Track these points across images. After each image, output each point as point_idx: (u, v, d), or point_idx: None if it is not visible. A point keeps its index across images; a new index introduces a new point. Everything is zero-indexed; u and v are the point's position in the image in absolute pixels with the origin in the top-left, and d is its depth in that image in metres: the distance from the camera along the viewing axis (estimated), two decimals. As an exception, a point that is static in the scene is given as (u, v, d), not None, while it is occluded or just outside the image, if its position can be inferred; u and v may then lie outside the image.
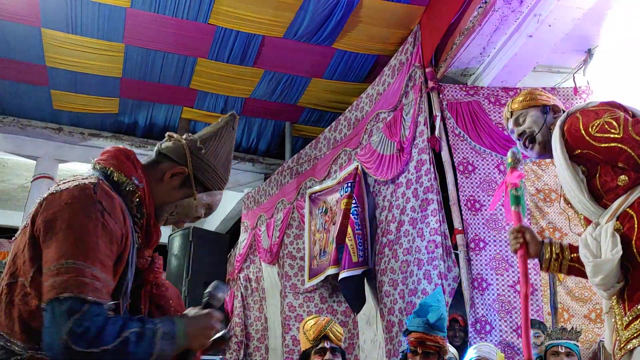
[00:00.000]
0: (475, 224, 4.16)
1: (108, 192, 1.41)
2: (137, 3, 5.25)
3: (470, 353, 3.32)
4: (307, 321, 3.55)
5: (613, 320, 1.87)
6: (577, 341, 3.24)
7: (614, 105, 1.97)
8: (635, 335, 1.73)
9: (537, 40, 4.06)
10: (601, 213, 1.89)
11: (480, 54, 4.52)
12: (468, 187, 4.26)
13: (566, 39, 4.14)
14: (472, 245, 4.10)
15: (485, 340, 3.77)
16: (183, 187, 1.60)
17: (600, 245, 1.84)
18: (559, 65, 4.58)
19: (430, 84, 4.55)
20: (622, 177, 1.85)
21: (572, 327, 3.31)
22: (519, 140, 2.23)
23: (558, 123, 2.03)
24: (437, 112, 4.44)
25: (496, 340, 3.82)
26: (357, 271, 4.83)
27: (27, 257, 1.35)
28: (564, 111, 2.17)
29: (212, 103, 7.04)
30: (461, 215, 4.17)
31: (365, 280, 4.92)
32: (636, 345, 1.71)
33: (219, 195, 1.69)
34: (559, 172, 2.00)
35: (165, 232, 6.73)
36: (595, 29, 4.14)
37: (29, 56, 6.04)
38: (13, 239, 1.47)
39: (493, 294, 3.97)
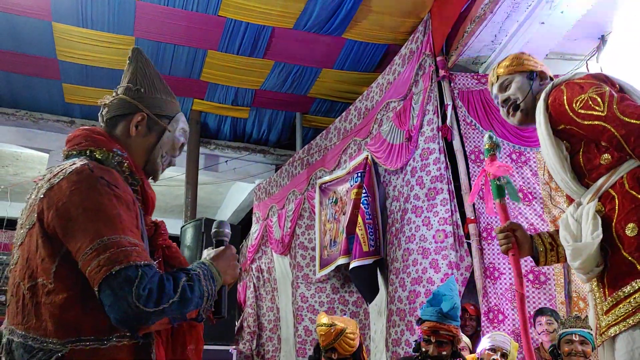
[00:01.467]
0: (487, 213, 4.14)
1: (103, 167, 1.45)
2: (147, -5, 5.27)
3: (484, 342, 3.32)
4: (320, 324, 3.49)
5: (594, 302, 1.82)
6: (592, 329, 3.22)
7: (600, 79, 1.88)
8: (616, 321, 1.68)
9: (550, 27, 4.02)
10: (583, 192, 1.82)
11: (492, 41, 4.48)
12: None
13: (579, 26, 4.09)
14: (484, 234, 4.09)
15: (498, 330, 3.76)
16: (151, 129, 1.64)
17: (581, 227, 1.78)
18: (571, 52, 4.53)
19: (442, 72, 4.52)
20: (605, 155, 1.77)
21: (587, 316, 3.29)
22: (502, 107, 2.14)
23: (542, 95, 1.94)
24: (448, 101, 4.42)
25: (509, 330, 3.81)
26: (368, 261, 4.82)
27: (45, 255, 1.37)
28: (551, 78, 2.10)
29: (222, 95, 7.06)
30: (473, 204, 4.15)
31: (378, 271, 4.92)
32: (621, 330, 1.65)
33: (182, 116, 1.74)
34: (542, 147, 1.92)
35: (178, 224, 6.79)
36: (608, 15, 4.08)
37: (40, 50, 6.07)
38: (18, 243, 1.47)
39: (505, 284, 3.96)
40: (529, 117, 2.04)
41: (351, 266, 4.88)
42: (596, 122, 1.74)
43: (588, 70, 4.37)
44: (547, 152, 1.89)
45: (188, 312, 1.38)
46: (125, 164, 1.53)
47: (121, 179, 1.46)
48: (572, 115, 1.80)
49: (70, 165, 1.41)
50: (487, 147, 2.23)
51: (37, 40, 5.91)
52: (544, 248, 2.04)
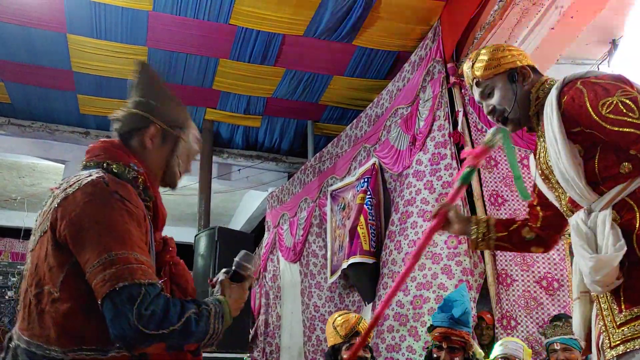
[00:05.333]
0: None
1: (119, 181, 1.45)
2: (159, 6, 5.33)
3: (497, 350, 3.29)
4: (336, 317, 3.54)
5: (597, 312, 1.73)
6: (573, 334, 3.18)
7: (624, 82, 1.71)
8: (633, 336, 1.58)
9: (560, 32, 4.00)
10: (595, 199, 1.70)
11: (502, 48, 4.47)
12: (491, 182, 4.22)
13: (589, 31, 4.07)
14: (496, 240, 4.06)
15: (512, 336, 3.73)
16: (165, 140, 1.65)
17: (596, 236, 1.67)
18: (582, 56, 4.51)
19: (452, 79, 4.52)
20: (626, 164, 1.66)
21: (564, 321, 3.24)
22: (489, 115, 1.99)
23: (554, 92, 1.78)
24: (459, 108, 4.41)
25: (522, 337, 3.78)
26: (368, 260, 4.82)
27: (53, 264, 1.38)
28: (534, 69, 1.98)
29: (234, 103, 7.11)
30: (485, 210, 4.13)
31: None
32: (635, 347, 1.57)
33: (193, 123, 1.75)
34: (551, 148, 1.77)
35: (191, 232, 6.82)
36: (619, 19, 4.07)
37: (55, 62, 6.17)
38: (30, 249, 1.49)
39: (518, 290, 3.93)
40: (520, 124, 1.96)
41: (349, 262, 4.86)
42: (628, 130, 1.59)
43: (600, 75, 4.34)
44: (558, 157, 1.75)
45: (187, 344, 1.38)
46: (140, 179, 1.53)
47: (135, 194, 1.46)
48: (597, 119, 1.65)
49: (87, 177, 1.43)
50: (488, 137, 2.01)
51: (52, 52, 6.01)
52: (476, 236, 2.12)
